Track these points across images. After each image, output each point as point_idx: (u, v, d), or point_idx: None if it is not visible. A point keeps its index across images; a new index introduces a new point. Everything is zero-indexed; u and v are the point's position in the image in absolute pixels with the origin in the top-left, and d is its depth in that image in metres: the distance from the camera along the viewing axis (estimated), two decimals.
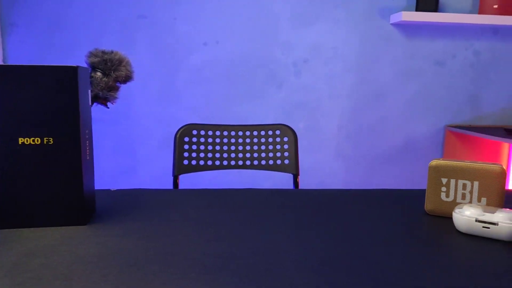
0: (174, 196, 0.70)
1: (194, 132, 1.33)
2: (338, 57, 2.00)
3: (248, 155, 1.38)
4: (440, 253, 0.47)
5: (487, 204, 0.58)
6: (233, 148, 1.38)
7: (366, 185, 2.09)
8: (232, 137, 1.38)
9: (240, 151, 1.38)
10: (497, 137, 1.64)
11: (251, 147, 1.38)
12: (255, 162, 1.37)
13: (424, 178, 2.11)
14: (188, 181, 2.03)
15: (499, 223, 0.51)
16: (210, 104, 1.98)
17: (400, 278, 0.41)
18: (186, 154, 1.31)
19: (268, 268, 0.42)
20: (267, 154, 1.37)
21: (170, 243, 0.48)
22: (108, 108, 0.74)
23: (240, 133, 1.38)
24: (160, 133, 2.00)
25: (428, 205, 0.62)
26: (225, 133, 1.37)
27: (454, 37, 2.03)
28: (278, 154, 1.37)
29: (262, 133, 1.39)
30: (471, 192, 0.59)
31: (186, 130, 1.32)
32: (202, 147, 1.34)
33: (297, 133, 2.04)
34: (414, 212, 0.63)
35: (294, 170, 1.36)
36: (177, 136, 1.31)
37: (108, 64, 0.71)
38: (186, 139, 1.32)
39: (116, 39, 1.91)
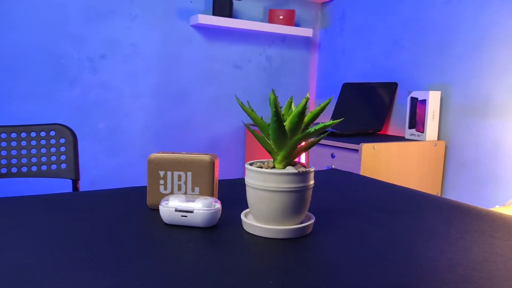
0: None
1: None
2: (138, 54, 1.94)
3: (14, 161, 1.19)
4: (140, 245, 0.46)
5: (200, 193, 0.60)
6: None
7: None
8: None
9: (4, 157, 1.17)
10: None
11: (18, 152, 1.19)
12: (24, 169, 1.19)
13: (229, 173, 2.23)
14: None
15: (194, 211, 0.53)
16: None
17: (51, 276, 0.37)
18: None
19: None
20: (39, 159, 1.21)
21: None
22: None
23: (4, 135, 1.18)
24: None
25: (150, 200, 0.61)
26: None
27: (249, 43, 2.22)
28: (53, 158, 1.22)
29: (33, 134, 1.21)
30: (185, 183, 0.60)
31: None
32: None
33: (97, 134, 1.89)
34: (138, 208, 0.62)
35: (73, 175, 1.24)
36: None
37: None
38: None
39: None
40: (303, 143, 0.67)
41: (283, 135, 0.50)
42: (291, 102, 0.53)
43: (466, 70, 1.60)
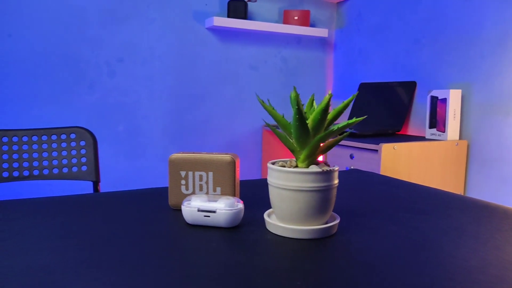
0: None
1: None
2: (155, 57, 1.96)
3: (36, 163, 1.21)
4: (162, 245, 0.46)
5: (222, 193, 0.60)
6: (15, 156, 1.19)
7: None
8: (15, 143, 1.19)
9: (26, 160, 1.20)
10: None
11: (40, 154, 1.22)
12: (45, 172, 1.21)
13: (246, 174, 2.23)
14: None
15: (217, 211, 0.52)
16: (5, 107, 1.70)
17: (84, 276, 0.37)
18: None
19: None
20: (60, 161, 1.23)
21: None
22: None
23: (25, 138, 1.20)
24: None
25: (171, 200, 0.61)
26: (5, 139, 1.18)
27: (265, 44, 2.21)
28: (74, 161, 1.24)
29: (54, 137, 1.23)
30: (207, 183, 0.60)
31: None
32: None
33: (117, 137, 1.92)
34: (160, 208, 0.62)
35: (94, 177, 1.25)
36: None
37: None
38: None
39: None
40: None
41: (306, 134, 0.49)
42: (313, 100, 0.53)
43: (488, 68, 1.56)
